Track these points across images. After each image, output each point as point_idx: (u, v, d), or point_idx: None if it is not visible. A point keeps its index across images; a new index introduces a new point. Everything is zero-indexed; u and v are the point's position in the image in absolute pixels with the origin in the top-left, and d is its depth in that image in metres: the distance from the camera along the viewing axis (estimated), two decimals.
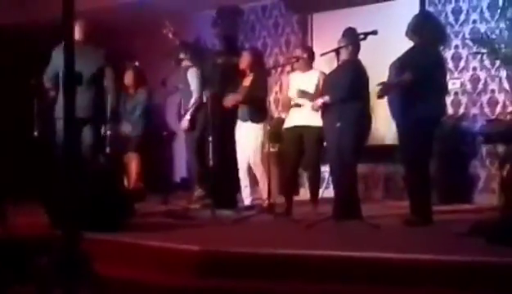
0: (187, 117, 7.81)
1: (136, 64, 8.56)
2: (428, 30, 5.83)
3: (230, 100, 7.19)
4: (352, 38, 6.10)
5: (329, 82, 6.33)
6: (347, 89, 5.95)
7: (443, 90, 5.93)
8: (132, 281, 4.35)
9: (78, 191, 2.94)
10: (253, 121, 7.04)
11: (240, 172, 7.28)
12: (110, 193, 5.53)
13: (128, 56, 9.05)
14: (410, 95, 5.61)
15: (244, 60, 7.30)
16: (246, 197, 7.28)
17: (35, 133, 6.84)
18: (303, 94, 6.61)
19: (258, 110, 7.02)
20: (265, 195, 6.87)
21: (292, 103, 6.75)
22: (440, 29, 6.18)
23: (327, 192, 7.76)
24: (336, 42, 6.22)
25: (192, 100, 7.79)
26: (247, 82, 7.23)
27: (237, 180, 7.33)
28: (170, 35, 7.61)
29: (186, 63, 8.01)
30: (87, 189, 5.11)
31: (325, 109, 6.30)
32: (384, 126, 7.76)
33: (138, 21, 9.63)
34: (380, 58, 6.66)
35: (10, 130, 8.30)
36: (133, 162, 8.33)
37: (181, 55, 8.01)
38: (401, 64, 5.78)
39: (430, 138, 5.82)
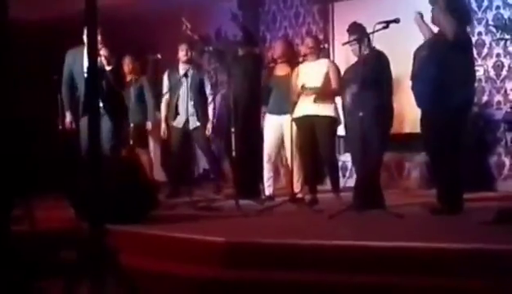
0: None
1: (159, 56, 8.55)
2: (454, 8, 5.71)
3: None
4: (360, 32, 6.13)
5: (351, 73, 6.31)
6: (369, 79, 5.92)
7: (472, 73, 5.82)
8: (157, 272, 4.39)
9: (103, 184, 2.96)
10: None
11: (266, 163, 7.28)
12: (134, 185, 5.56)
13: (150, 49, 9.06)
14: (438, 81, 5.53)
15: (278, 50, 7.28)
16: (268, 187, 7.29)
17: (59, 127, 6.90)
18: (307, 90, 6.60)
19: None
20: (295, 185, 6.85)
21: (301, 92, 6.72)
22: (465, 9, 6.07)
23: (351, 181, 7.73)
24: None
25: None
26: (282, 71, 7.20)
27: (260, 170, 7.33)
28: (188, 32, 7.64)
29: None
30: (112, 181, 5.13)
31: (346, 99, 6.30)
32: (406, 114, 7.76)
33: (159, 13, 9.63)
34: (402, 46, 6.62)
35: (35, 124, 8.35)
36: (145, 156, 8.33)
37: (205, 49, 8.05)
38: (430, 46, 5.70)
39: (465, 123, 5.77)
